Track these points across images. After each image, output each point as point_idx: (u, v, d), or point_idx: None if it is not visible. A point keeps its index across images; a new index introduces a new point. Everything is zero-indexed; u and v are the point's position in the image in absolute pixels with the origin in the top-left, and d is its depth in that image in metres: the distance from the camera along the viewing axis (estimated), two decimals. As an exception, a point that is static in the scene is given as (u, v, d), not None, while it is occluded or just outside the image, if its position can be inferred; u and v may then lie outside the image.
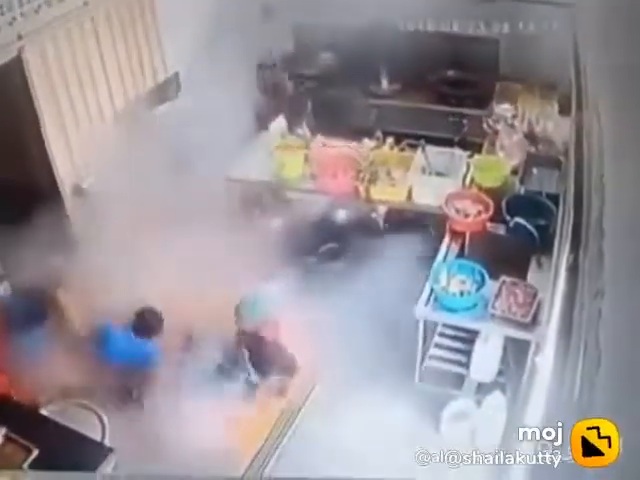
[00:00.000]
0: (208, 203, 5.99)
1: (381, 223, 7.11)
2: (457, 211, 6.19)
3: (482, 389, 5.66)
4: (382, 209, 7.04)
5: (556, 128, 6.99)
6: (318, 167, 6.80)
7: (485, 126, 7.29)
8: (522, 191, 6.31)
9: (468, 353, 5.66)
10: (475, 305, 5.54)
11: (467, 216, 6.16)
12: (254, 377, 5.12)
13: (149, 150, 5.87)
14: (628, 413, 2.23)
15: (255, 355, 5.17)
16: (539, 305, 5.38)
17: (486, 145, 7.12)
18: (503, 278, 5.59)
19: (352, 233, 6.94)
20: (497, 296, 5.49)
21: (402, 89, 8.16)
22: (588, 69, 4.97)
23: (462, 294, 5.59)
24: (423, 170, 6.76)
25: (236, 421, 4.87)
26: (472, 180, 6.62)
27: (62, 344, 5.26)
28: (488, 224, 6.15)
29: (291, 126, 7.49)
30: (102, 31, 6.07)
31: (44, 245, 5.19)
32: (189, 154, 6.15)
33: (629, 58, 3.22)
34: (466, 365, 5.71)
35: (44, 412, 4.89)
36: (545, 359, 3.99)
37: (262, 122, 7.54)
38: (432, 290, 5.66)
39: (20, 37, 5.35)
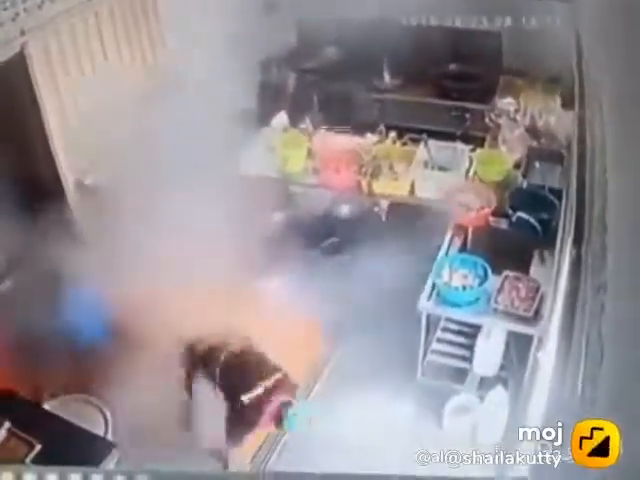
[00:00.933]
0: (210, 200, 5.99)
1: (384, 217, 7.10)
2: (460, 205, 6.18)
3: (484, 384, 5.66)
4: (384, 203, 7.04)
5: (559, 122, 6.95)
6: (321, 161, 6.79)
7: (487, 120, 7.28)
8: (525, 185, 6.30)
9: (471, 348, 5.66)
10: (477, 299, 5.53)
11: (470, 210, 6.16)
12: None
13: (152, 146, 5.87)
14: (629, 413, 2.23)
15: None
16: (542, 299, 5.36)
17: (488, 139, 7.07)
18: (506, 272, 5.59)
19: (354, 227, 6.94)
20: (500, 290, 5.48)
21: (404, 83, 8.11)
22: (591, 63, 4.96)
23: (464, 288, 5.58)
24: (425, 164, 6.73)
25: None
26: (475, 174, 6.61)
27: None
28: (491, 218, 6.14)
29: (294, 121, 7.49)
30: (105, 26, 6.06)
31: (47, 240, 5.20)
32: (190, 151, 6.14)
33: (630, 52, 3.21)
34: (469, 360, 5.70)
35: (47, 407, 4.91)
36: (547, 354, 3.99)
37: (265, 117, 7.54)
38: (434, 284, 5.65)
39: (23, 32, 5.35)
